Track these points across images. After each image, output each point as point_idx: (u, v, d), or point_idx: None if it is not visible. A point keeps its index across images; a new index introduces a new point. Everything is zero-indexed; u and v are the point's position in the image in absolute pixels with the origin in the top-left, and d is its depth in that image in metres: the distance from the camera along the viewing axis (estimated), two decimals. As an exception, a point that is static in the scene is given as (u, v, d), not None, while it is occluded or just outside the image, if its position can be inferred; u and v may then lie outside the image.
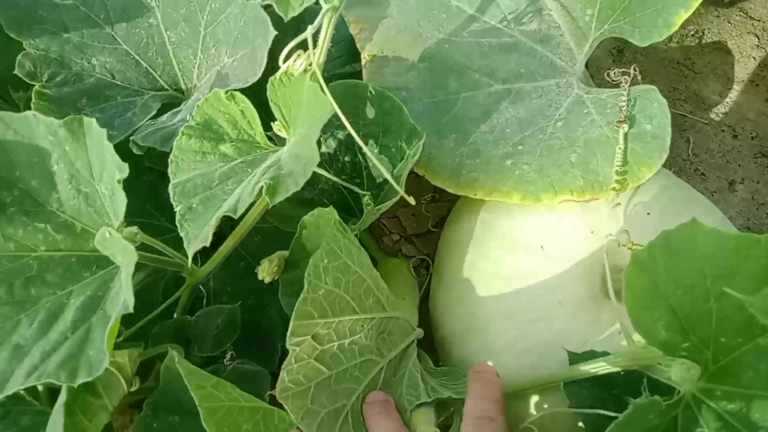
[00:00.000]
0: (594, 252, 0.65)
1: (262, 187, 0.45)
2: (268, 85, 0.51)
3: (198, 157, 0.52)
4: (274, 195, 0.44)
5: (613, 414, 0.54)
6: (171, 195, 0.50)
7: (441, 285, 0.75)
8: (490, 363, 0.56)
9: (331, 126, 0.67)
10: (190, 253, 0.47)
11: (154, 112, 0.73)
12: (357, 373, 0.52)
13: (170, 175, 0.52)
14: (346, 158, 0.69)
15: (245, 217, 0.62)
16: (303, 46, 0.56)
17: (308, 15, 0.56)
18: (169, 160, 0.52)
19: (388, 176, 0.52)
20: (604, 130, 0.66)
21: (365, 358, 0.53)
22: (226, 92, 0.52)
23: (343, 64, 0.77)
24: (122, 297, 0.48)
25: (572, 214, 0.66)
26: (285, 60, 0.54)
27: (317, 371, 0.48)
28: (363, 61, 0.75)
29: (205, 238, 0.46)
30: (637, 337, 0.60)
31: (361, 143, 0.51)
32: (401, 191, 0.53)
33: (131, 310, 0.45)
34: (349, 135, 0.67)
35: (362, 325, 0.52)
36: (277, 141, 0.59)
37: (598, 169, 0.63)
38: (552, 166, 0.64)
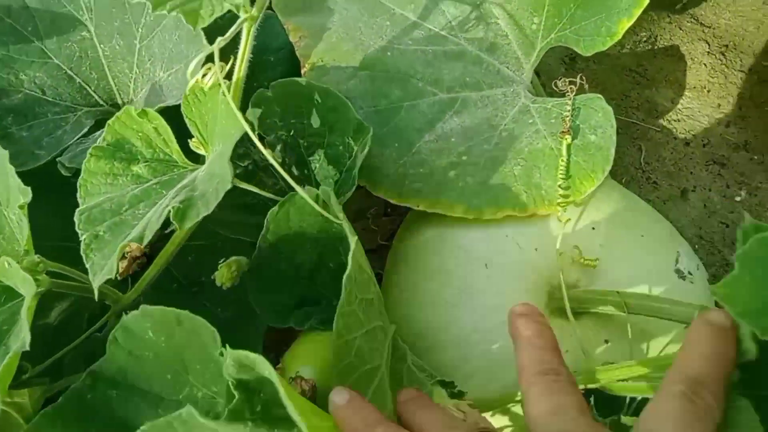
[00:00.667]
0: (539, 269, 0.63)
1: (170, 211, 0.41)
2: (182, 101, 0.48)
3: (109, 180, 0.48)
4: (183, 220, 0.41)
5: None
6: (76, 223, 0.46)
7: (387, 303, 0.72)
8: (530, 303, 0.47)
9: (275, 127, 0.64)
10: (95, 285, 0.43)
11: (86, 129, 0.69)
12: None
13: (79, 201, 0.48)
14: (293, 160, 0.65)
15: (172, 238, 0.58)
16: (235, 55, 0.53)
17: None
18: (78, 185, 0.49)
19: (297, 188, 0.49)
20: (548, 141, 0.65)
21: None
22: (138, 109, 0.49)
23: (284, 73, 0.73)
24: (22, 333, 0.44)
25: (516, 230, 0.63)
26: (211, 72, 0.51)
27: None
28: (303, 70, 0.72)
29: (110, 270, 0.42)
30: (595, 356, 0.58)
31: (262, 148, 0.48)
32: (304, 194, 0.50)
33: (27, 347, 0.41)
34: (293, 137, 0.64)
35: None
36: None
37: (541, 182, 0.61)
38: (496, 179, 0.62)
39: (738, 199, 0.88)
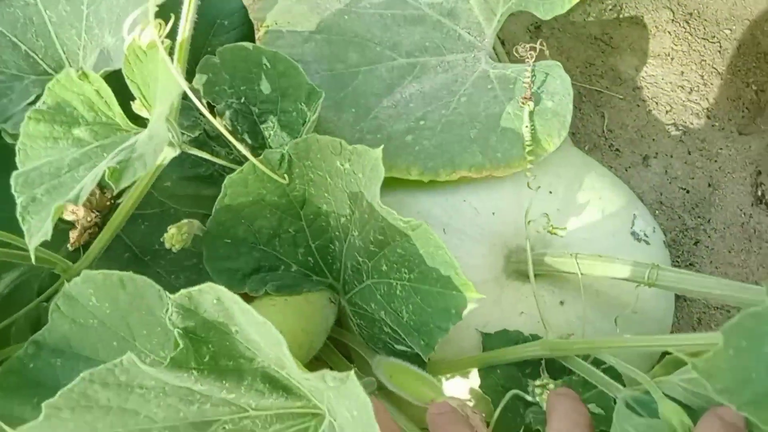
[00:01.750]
0: (496, 232, 0.63)
1: (105, 172, 0.40)
2: (123, 61, 0.46)
3: (49, 144, 0.47)
4: (119, 179, 0.40)
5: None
6: (12, 186, 0.44)
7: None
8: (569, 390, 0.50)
9: (224, 95, 0.62)
10: (32, 248, 0.42)
11: (33, 98, 0.67)
12: None
13: (18, 165, 0.46)
14: (245, 127, 0.64)
15: (120, 206, 0.57)
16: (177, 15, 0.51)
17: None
18: (17, 149, 0.47)
19: (244, 151, 0.48)
20: (505, 106, 0.64)
21: None
22: (79, 72, 0.47)
23: (238, 37, 0.71)
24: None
25: (474, 194, 0.63)
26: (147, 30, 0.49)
27: None
28: (257, 34, 0.71)
29: (46, 232, 0.41)
30: (552, 325, 0.58)
31: (205, 111, 0.46)
32: (254, 159, 0.49)
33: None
34: (244, 104, 0.62)
35: None
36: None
37: (497, 145, 0.61)
38: (452, 141, 0.62)
39: (699, 165, 0.88)
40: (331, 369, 0.71)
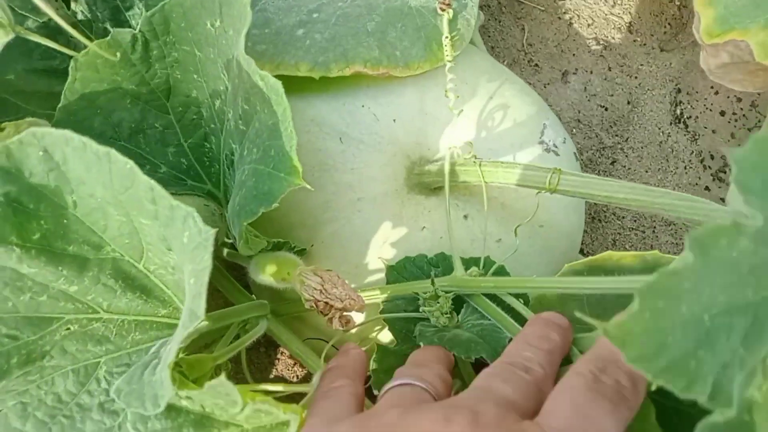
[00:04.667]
0: (397, 141, 0.58)
1: None
2: None
3: None
4: None
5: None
6: None
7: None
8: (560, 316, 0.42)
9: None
10: None
11: None
12: None
13: None
14: (106, 14, 0.55)
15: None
16: None
17: None
18: None
19: (74, 32, 0.41)
20: (409, 0, 0.58)
21: None
22: None
23: None
24: None
25: (373, 99, 0.57)
26: None
27: None
28: None
29: None
30: (455, 240, 0.54)
31: None
32: (93, 45, 0.42)
33: None
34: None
35: None
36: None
37: (396, 42, 0.55)
38: (346, 35, 0.55)
39: (618, 81, 0.85)
40: (224, 296, 0.66)
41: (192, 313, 0.35)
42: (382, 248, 0.55)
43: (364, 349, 0.49)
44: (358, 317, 0.55)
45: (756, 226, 0.27)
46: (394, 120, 0.57)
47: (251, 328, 0.54)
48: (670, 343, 0.27)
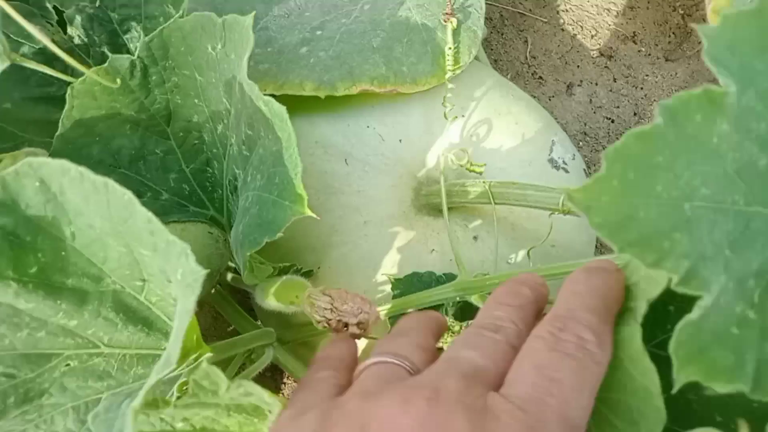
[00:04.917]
0: (404, 161, 0.56)
1: None
2: None
3: None
4: None
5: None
6: None
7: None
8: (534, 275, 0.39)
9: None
10: None
11: None
12: None
13: None
14: (103, 38, 0.54)
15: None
16: None
17: None
18: None
19: (72, 62, 0.39)
20: (412, 13, 0.56)
21: None
22: None
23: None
24: None
25: (378, 119, 0.56)
26: None
27: None
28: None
29: None
30: (466, 263, 0.53)
31: (22, 20, 0.37)
32: (90, 72, 0.41)
33: None
34: (101, 9, 0.52)
35: None
36: None
37: (403, 58, 0.54)
38: (352, 52, 0.54)
39: (624, 92, 0.84)
40: (229, 322, 0.64)
41: (167, 359, 0.34)
42: (391, 271, 0.54)
43: None
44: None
45: (731, 102, 0.26)
46: (400, 140, 0.56)
47: (257, 357, 0.53)
48: (641, 218, 0.26)
